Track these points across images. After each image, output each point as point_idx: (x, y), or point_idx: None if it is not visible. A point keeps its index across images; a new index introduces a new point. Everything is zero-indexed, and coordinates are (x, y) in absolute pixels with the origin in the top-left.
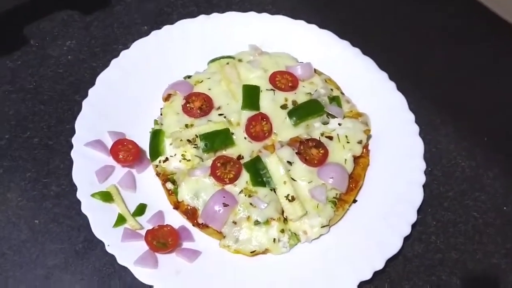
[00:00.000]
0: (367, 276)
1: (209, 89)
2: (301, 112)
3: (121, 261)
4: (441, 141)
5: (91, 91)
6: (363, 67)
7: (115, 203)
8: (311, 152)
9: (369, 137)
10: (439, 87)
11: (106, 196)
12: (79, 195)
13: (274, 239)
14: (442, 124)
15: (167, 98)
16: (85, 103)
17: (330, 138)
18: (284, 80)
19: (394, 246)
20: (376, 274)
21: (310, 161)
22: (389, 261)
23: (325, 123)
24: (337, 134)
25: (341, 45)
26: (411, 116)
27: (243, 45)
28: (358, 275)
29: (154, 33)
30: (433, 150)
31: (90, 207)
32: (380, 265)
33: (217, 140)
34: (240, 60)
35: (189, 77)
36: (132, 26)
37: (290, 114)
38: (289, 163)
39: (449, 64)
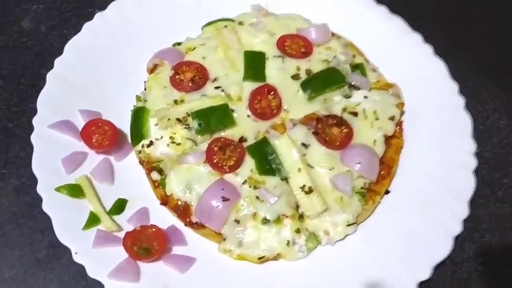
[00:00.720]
0: None
1: (203, 58)
2: (317, 83)
3: (92, 273)
4: (489, 116)
5: (57, 62)
6: (391, 29)
7: (86, 198)
8: (332, 131)
9: (402, 112)
10: (485, 51)
11: (75, 190)
12: (39, 189)
13: (288, 242)
14: (490, 97)
15: (152, 69)
16: (50, 75)
17: (355, 114)
18: (295, 45)
19: (442, 249)
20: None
21: (330, 143)
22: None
23: (347, 97)
24: (363, 109)
25: (364, 2)
26: (454, 86)
27: (245, 6)
28: None
29: None
30: (481, 127)
31: (54, 204)
32: (425, 275)
33: (214, 118)
34: (241, 23)
35: (179, 44)
36: None
37: (304, 85)
38: (304, 145)
39: (496, 22)
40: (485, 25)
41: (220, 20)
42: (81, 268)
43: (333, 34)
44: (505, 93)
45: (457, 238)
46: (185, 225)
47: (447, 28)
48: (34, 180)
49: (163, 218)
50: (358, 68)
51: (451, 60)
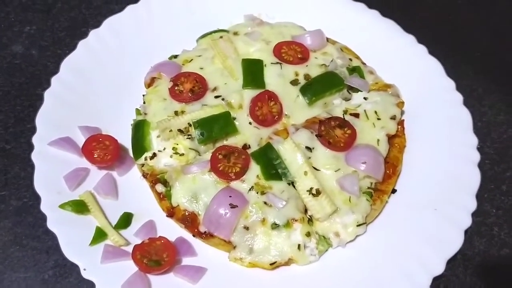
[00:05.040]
0: (425, 285)
1: (201, 68)
2: (317, 87)
3: None
4: (486, 113)
5: (54, 80)
6: (385, 31)
7: (91, 214)
8: (335, 133)
9: (402, 112)
10: (478, 49)
11: (79, 206)
12: (43, 207)
13: (299, 246)
14: (486, 93)
15: (150, 82)
16: (47, 94)
17: (356, 115)
18: (291, 51)
19: (454, 242)
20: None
21: (334, 145)
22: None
23: (347, 99)
24: (364, 110)
25: (356, 7)
26: (450, 83)
27: (238, 17)
28: (412, 285)
29: (130, 7)
30: (479, 124)
31: (59, 222)
32: (439, 269)
33: (216, 127)
34: (235, 33)
35: (175, 56)
36: (103, 6)
37: (303, 90)
38: (309, 149)
39: (487, 20)
40: (475, 24)
41: (214, 31)
42: (90, 285)
43: (328, 40)
44: (501, 89)
45: (466, 233)
46: (194, 235)
47: (437, 31)
48: (36, 200)
49: (171, 231)
50: (355, 71)
51: (444, 60)
